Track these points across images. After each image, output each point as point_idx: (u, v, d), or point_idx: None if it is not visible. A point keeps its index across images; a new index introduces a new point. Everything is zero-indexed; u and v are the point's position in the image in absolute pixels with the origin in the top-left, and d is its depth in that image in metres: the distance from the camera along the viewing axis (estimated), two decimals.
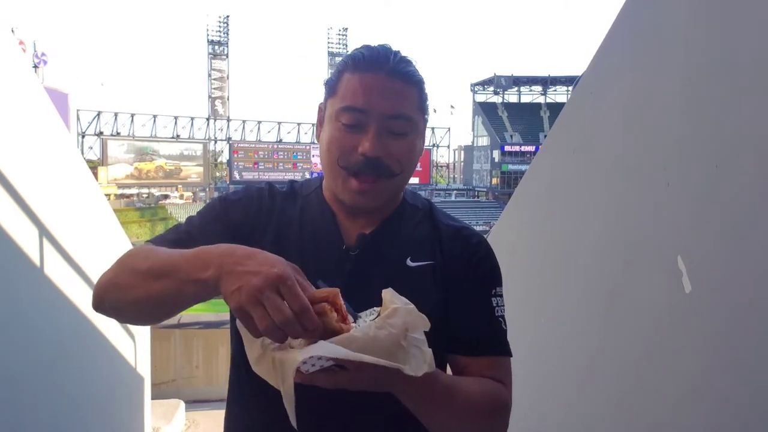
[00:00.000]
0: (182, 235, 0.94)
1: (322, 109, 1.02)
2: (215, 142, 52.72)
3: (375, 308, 0.78)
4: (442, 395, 0.81)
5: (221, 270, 0.71)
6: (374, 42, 0.99)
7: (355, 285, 0.88)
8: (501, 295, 1.02)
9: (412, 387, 0.75)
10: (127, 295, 0.83)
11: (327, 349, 0.67)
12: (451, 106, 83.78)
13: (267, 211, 0.99)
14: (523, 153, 50.84)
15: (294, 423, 0.69)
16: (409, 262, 0.97)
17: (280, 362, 0.69)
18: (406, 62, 0.96)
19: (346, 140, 0.93)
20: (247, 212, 0.98)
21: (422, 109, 0.99)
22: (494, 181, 52.80)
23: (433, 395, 0.80)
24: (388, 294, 0.75)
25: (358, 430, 0.92)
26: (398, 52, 0.97)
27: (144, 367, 3.55)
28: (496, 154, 52.57)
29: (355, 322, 0.76)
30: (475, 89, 57.58)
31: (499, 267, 1.04)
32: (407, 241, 1.00)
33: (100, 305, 0.89)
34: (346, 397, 0.75)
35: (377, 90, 0.92)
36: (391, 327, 0.69)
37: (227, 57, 54.12)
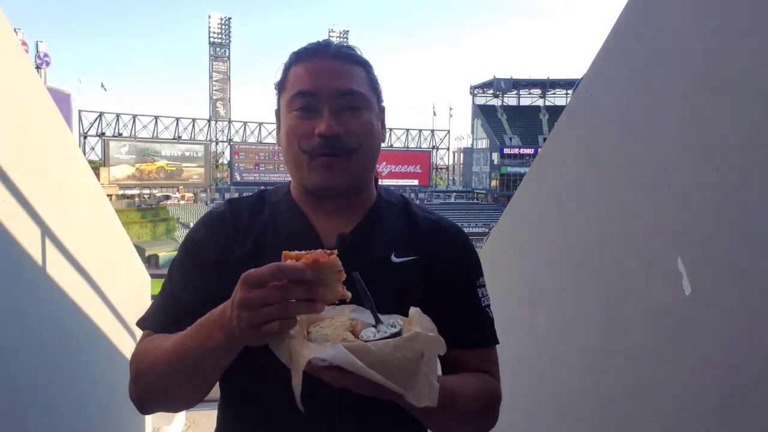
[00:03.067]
0: (170, 304, 0.96)
1: (278, 114, 1.03)
2: (216, 143, 52.83)
3: (399, 320, 0.78)
4: (444, 404, 0.80)
5: (224, 328, 0.74)
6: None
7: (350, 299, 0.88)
8: (485, 285, 1.03)
9: None
10: (164, 393, 0.88)
11: (339, 355, 0.67)
12: (450, 109, 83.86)
13: (234, 231, 0.99)
14: (522, 155, 50.91)
15: (300, 407, 0.71)
16: (393, 258, 0.97)
17: (295, 353, 0.70)
18: (347, 47, 1.00)
19: (303, 125, 0.95)
20: (218, 244, 0.98)
21: (374, 88, 1.01)
22: (493, 183, 52.85)
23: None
24: (415, 313, 0.76)
25: (365, 419, 0.92)
26: (340, 41, 1.01)
27: None
28: (495, 156, 52.63)
29: (376, 326, 0.76)
30: (475, 92, 57.67)
31: (479, 257, 1.05)
32: (389, 237, 0.99)
33: (147, 410, 0.94)
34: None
35: (323, 72, 0.96)
36: (408, 351, 0.69)
37: (228, 59, 54.21)
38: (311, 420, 0.88)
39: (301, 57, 0.99)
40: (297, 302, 0.69)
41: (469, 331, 0.98)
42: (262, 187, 1.11)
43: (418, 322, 0.74)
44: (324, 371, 0.70)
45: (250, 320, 0.70)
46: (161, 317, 0.95)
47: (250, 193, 1.09)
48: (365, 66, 1.00)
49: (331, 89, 0.94)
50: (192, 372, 0.82)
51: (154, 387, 0.87)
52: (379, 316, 0.78)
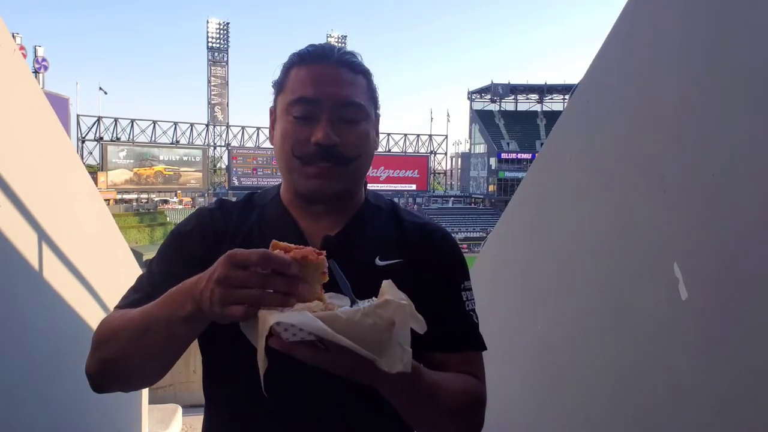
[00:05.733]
0: (147, 290, 0.93)
1: (273, 111, 1.03)
2: (214, 147, 52.81)
3: (375, 298, 0.76)
4: (424, 394, 0.81)
5: (195, 299, 0.73)
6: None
7: (325, 287, 0.85)
8: (470, 289, 1.03)
9: (394, 384, 0.74)
10: (124, 365, 0.84)
11: (305, 320, 0.65)
12: (448, 114, 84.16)
13: (223, 230, 0.99)
14: (519, 160, 51.03)
15: (262, 385, 0.69)
16: (378, 262, 0.97)
17: (261, 320, 0.68)
18: (351, 54, 0.99)
19: (299, 132, 0.94)
20: (205, 239, 0.97)
21: (372, 99, 1.01)
22: (491, 188, 52.90)
23: (414, 393, 0.80)
24: (386, 286, 0.75)
25: (325, 406, 0.92)
26: (343, 46, 1.00)
27: None
28: (492, 161, 52.72)
29: (351, 306, 0.75)
30: (473, 97, 57.82)
31: (465, 260, 1.05)
32: (374, 241, 1.00)
33: (102, 387, 0.89)
34: (324, 378, 0.74)
35: (326, 79, 0.94)
36: (378, 317, 0.67)
37: (227, 64, 54.26)
38: (291, 388, 0.90)
39: (303, 59, 0.97)
40: (273, 293, 0.69)
41: (452, 333, 0.97)
42: (251, 191, 1.11)
43: (389, 294, 0.73)
44: (296, 348, 0.68)
45: (222, 297, 0.69)
46: (135, 297, 0.93)
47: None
48: (366, 75, 1.00)
49: (333, 98, 0.93)
50: (157, 341, 0.80)
51: (115, 357, 0.84)
52: (356, 299, 0.77)
